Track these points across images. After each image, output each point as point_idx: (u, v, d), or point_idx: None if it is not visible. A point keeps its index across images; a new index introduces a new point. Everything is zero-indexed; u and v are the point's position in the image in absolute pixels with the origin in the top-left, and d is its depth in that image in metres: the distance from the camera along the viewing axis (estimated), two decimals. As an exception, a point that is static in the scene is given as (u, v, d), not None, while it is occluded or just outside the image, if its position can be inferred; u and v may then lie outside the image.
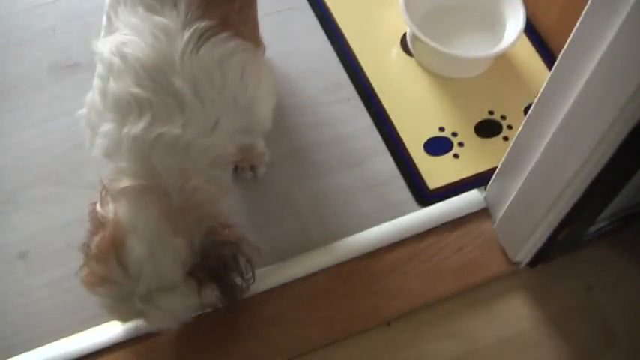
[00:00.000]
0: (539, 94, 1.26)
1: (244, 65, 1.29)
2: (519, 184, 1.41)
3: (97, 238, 1.20)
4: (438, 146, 1.66)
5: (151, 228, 1.18)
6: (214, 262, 1.24)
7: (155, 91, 1.20)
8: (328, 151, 1.65)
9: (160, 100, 1.21)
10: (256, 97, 1.35)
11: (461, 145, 1.66)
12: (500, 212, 1.52)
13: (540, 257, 1.51)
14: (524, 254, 1.51)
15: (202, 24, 1.23)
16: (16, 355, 1.39)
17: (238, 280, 1.31)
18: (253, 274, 1.32)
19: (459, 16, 1.80)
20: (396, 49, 1.80)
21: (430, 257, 1.54)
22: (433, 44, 1.66)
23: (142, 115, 1.20)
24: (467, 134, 1.68)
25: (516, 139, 1.38)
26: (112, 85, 1.22)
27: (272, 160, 1.61)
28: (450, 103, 1.72)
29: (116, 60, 1.22)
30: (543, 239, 1.45)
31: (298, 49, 1.78)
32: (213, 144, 1.25)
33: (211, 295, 1.26)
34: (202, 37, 1.23)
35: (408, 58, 1.78)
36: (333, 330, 1.46)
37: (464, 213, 1.58)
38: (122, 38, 1.24)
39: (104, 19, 1.31)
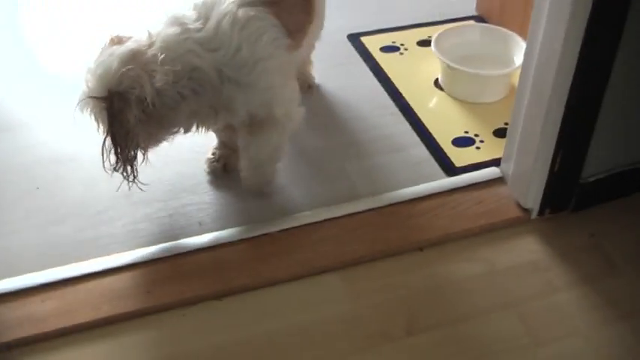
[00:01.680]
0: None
1: (263, 34, 1.74)
2: (517, 142, 1.86)
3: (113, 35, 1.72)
4: (463, 142, 2.10)
5: (122, 51, 1.64)
6: (115, 103, 1.62)
7: (204, 7, 1.72)
8: (376, 143, 2.12)
9: (202, 12, 1.71)
10: (261, 67, 1.75)
11: (482, 141, 2.10)
12: (509, 171, 1.92)
13: (547, 203, 1.87)
14: (532, 199, 1.87)
15: None
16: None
17: (122, 141, 1.67)
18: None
19: (478, 61, 2.29)
20: (430, 85, 2.32)
21: (456, 206, 1.92)
22: (463, 68, 2.18)
23: (190, 13, 1.72)
24: (487, 136, 2.11)
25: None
26: None
27: (331, 147, 2.09)
28: (473, 117, 2.19)
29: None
30: (544, 176, 1.82)
31: (354, 87, 2.32)
32: (197, 54, 1.69)
33: (101, 119, 1.67)
34: (250, 2, 1.73)
35: (440, 92, 2.29)
36: (374, 249, 1.81)
37: (483, 179, 1.98)
38: None
39: None
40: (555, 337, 1.66)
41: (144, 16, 2.54)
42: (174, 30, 1.70)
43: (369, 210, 1.91)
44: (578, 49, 1.63)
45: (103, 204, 1.93)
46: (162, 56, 1.66)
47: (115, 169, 1.71)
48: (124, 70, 1.63)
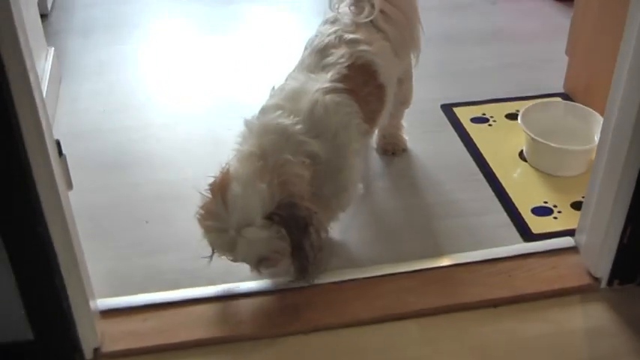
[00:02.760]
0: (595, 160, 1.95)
1: (351, 120, 1.89)
2: (590, 215, 1.97)
3: (211, 183, 1.76)
4: (542, 211, 2.22)
5: (247, 177, 1.70)
6: (285, 214, 1.70)
7: (289, 101, 1.86)
8: (460, 206, 2.26)
9: (289, 107, 1.85)
10: (350, 151, 1.90)
11: (559, 212, 2.21)
12: (582, 242, 2.04)
13: (616, 274, 1.97)
14: (602, 269, 1.97)
15: (337, 85, 1.89)
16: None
17: (308, 246, 1.75)
18: (320, 248, 1.79)
19: (561, 136, 2.40)
20: (515, 156, 2.46)
21: (530, 269, 2.03)
22: (547, 142, 2.31)
23: (276, 112, 1.85)
24: (565, 207, 2.23)
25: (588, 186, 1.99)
26: (267, 101, 1.91)
27: (417, 205, 2.25)
28: (554, 189, 2.31)
29: (277, 89, 1.93)
30: (614, 248, 1.92)
31: (444, 153, 2.49)
32: (309, 143, 1.81)
33: (282, 241, 1.72)
34: (333, 90, 1.88)
35: (524, 163, 2.42)
36: (451, 302, 1.94)
37: (558, 247, 2.09)
38: (287, 82, 1.96)
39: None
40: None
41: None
42: (274, 133, 1.80)
43: (449, 266, 2.04)
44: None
45: (204, 240, 2.10)
46: (285, 156, 1.76)
47: (306, 274, 1.84)
48: (266, 185, 1.70)
